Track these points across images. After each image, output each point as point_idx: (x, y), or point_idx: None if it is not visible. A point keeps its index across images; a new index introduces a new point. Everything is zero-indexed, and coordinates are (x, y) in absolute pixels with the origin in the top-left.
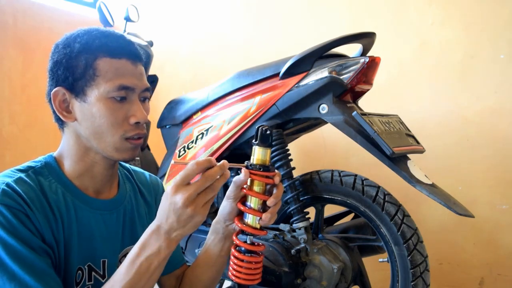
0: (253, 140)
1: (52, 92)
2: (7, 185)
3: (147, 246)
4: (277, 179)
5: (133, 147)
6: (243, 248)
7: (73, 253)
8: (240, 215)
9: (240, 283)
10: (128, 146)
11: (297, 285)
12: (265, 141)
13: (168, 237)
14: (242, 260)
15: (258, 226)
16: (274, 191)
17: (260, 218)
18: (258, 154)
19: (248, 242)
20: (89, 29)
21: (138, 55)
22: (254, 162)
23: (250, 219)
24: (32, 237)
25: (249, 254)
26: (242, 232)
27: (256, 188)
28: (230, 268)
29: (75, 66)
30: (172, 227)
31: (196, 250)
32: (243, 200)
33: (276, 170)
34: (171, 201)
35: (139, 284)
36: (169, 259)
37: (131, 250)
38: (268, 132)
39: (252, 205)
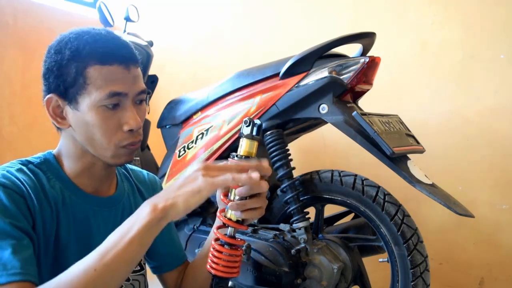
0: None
1: (45, 99)
2: (8, 171)
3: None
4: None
5: (129, 152)
6: (222, 241)
7: (70, 250)
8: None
9: (217, 275)
10: (123, 152)
11: (297, 285)
12: (246, 132)
13: (155, 202)
14: (220, 252)
15: (234, 219)
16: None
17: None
18: (240, 145)
19: (228, 234)
20: (80, 32)
21: (131, 58)
22: (241, 154)
23: (228, 211)
24: (21, 217)
25: (228, 247)
26: (224, 224)
27: None
28: (209, 260)
29: (66, 74)
30: (170, 189)
31: (196, 250)
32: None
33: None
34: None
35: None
36: (172, 255)
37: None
38: (248, 124)
39: (230, 197)
